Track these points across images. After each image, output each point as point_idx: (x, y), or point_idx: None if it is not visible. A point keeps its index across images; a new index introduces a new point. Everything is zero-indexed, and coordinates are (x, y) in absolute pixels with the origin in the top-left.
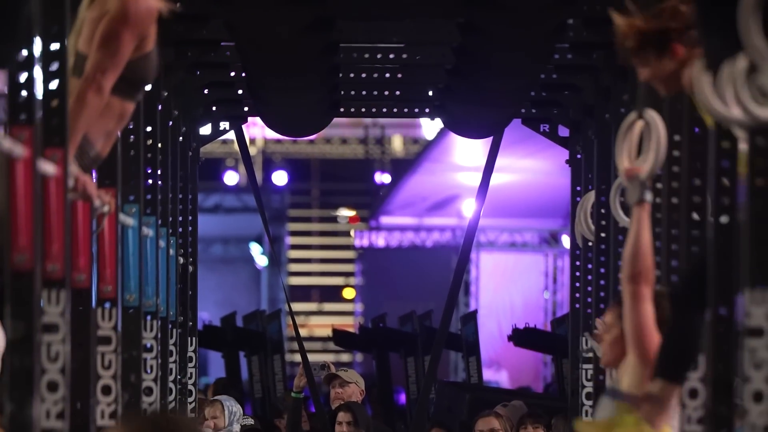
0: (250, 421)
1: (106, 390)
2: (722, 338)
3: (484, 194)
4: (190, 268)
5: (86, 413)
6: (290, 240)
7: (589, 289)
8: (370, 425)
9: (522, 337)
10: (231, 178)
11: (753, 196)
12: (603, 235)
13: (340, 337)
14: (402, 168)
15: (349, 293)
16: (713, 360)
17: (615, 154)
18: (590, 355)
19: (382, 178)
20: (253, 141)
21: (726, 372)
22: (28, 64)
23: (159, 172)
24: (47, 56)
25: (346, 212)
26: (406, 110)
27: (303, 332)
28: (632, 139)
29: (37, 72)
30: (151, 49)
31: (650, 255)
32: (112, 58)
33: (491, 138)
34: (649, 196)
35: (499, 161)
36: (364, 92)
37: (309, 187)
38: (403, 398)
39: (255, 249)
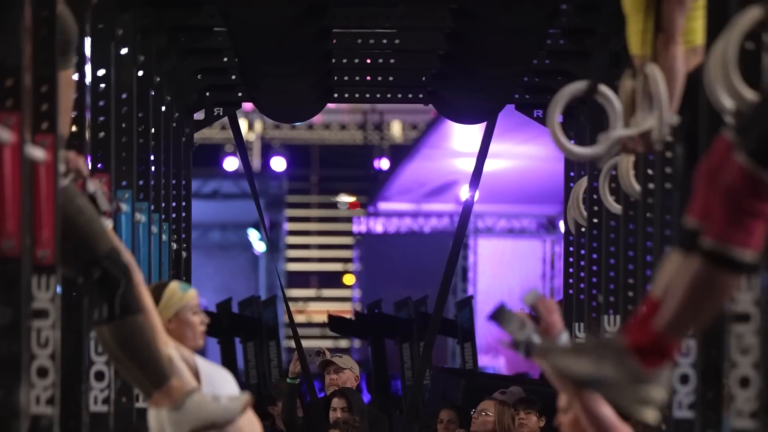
0: None
1: (99, 376)
2: (713, 324)
3: (478, 180)
4: (184, 254)
5: (78, 399)
6: (288, 226)
7: (582, 275)
8: (365, 411)
9: None
10: (230, 163)
11: None
12: (595, 220)
13: (335, 323)
14: (401, 154)
15: (349, 279)
16: (704, 346)
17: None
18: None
19: (381, 164)
20: (251, 127)
21: (717, 358)
22: (15, 49)
23: (152, 157)
24: (36, 42)
25: (346, 198)
26: (399, 96)
27: (301, 318)
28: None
29: (25, 57)
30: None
31: None
32: None
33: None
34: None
35: (497, 147)
36: (357, 78)
37: (308, 173)
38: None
39: (253, 235)
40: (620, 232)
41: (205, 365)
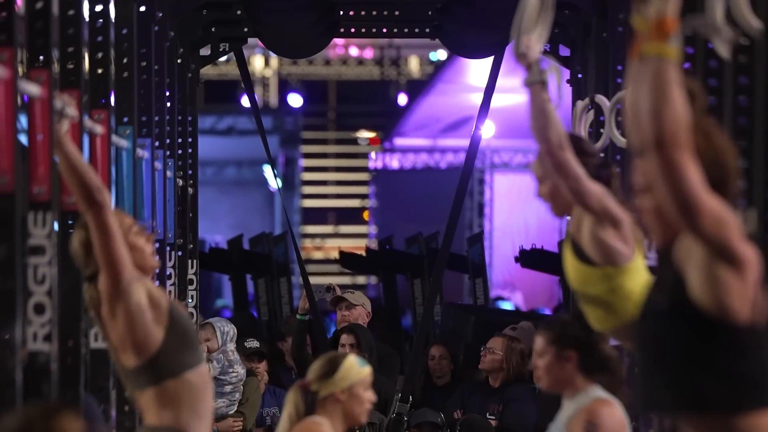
0: (255, 344)
1: None
2: None
3: (486, 114)
4: (190, 190)
5: (77, 336)
6: (304, 162)
7: None
8: (373, 347)
9: (529, 258)
10: (248, 100)
11: None
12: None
13: (347, 260)
14: (418, 89)
15: (368, 215)
16: None
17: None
18: None
19: (399, 99)
20: (267, 63)
21: None
22: None
23: (155, 93)
24: None
25: (366, 134)
26: (406, 30)
27: (319, 255)
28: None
29: None
30: None
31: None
32: None
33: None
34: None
35: (513, 82)
36: (363, 12)
37: (324, 109)
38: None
39: (269, 171)
40: (626, 166)
41: None
